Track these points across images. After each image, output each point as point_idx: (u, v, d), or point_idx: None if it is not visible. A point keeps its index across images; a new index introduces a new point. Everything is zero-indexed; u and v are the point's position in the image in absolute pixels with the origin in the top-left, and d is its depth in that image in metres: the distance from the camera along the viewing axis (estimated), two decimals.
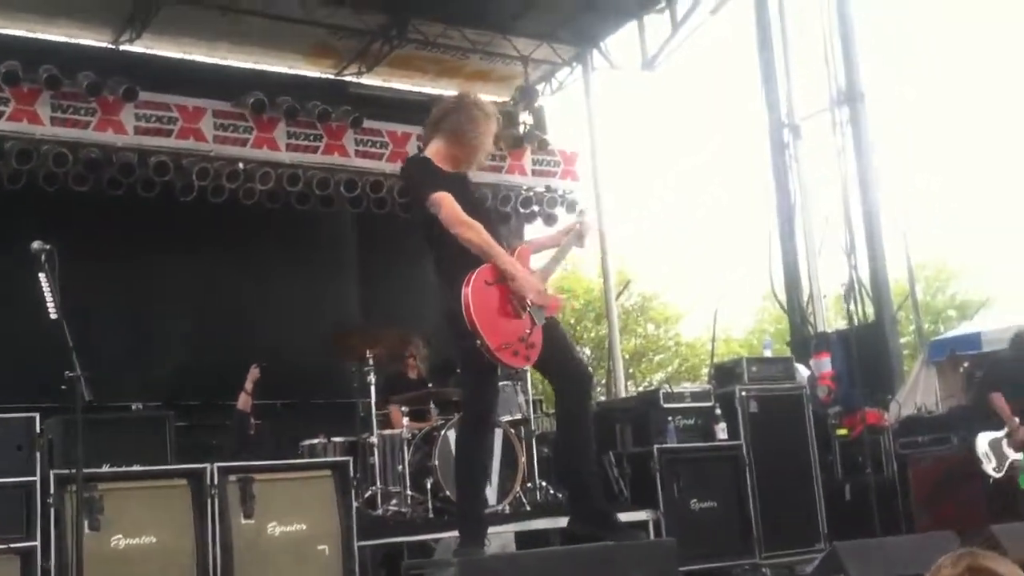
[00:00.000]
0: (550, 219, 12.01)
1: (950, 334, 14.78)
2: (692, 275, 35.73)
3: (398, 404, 7.58)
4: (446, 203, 4.71)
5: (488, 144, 4.99)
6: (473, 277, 4.57)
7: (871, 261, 10.42)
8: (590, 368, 5.58)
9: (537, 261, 5.03)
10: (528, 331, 4.65)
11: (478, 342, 4.48)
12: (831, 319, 11.80)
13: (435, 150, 4.92)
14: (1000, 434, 7.93)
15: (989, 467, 7.88)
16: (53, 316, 4.54)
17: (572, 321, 25.68)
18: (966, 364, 11.35)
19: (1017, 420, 7.88)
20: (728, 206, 44.81)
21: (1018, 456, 7.93)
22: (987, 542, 5.29)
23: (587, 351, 26.04)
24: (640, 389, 21.71)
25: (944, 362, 11.84)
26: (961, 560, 2.14)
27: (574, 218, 5.37)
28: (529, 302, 4.65)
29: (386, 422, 7.49)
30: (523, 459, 7.29)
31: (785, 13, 10.96)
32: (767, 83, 11.09)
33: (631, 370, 26.12)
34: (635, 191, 39.98)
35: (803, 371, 9.00)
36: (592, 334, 24.98)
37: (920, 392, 11.02)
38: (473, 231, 4.62)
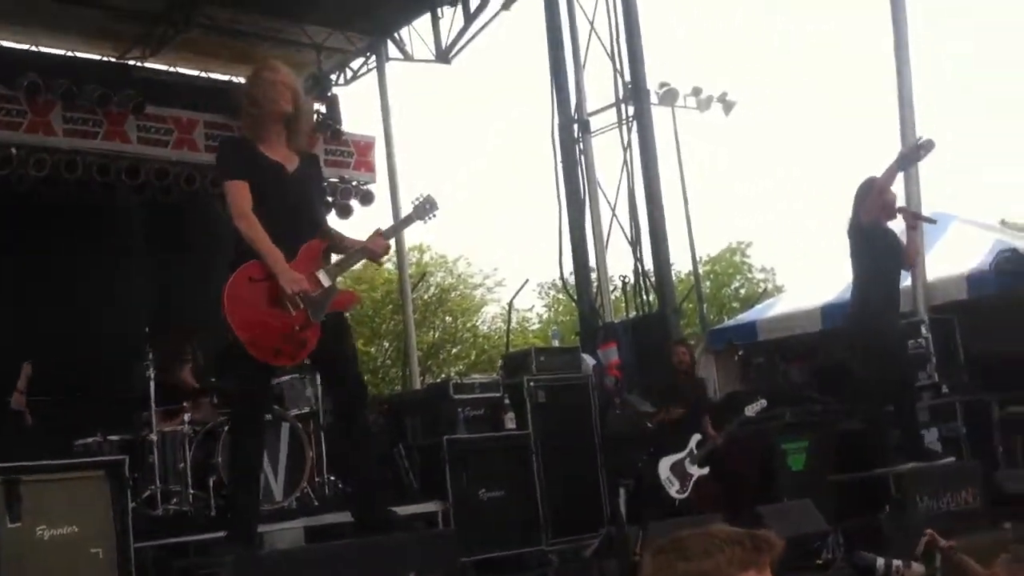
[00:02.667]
0: (345, 211, 11.91)
1: (728, 323, 15.54)
2: (490, 266, 36.11)
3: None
4: (231, 193, 4.68)
5: (284, 106, 4.90)
6: (238, 271, 4.55)
7: (654, 255, 10.82)
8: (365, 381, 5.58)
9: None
10: (298, 328, 4.63)
11: (230, 336, 4.45)
12: (621, 309, 12.17)
13: (243, 126, 4.87)
14: (681, 455, 8.34)
15: (672, 490, 8.25)
16: None
17: (371, 312, 25.58)
18: (741, 352, 11.97)
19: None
20: (524, 197, 45.65)
21: (704, 472, 8.35)
22: (755, 523, 5.60)
23: (385, 344, 26.00)
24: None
25: (722, 351, 12.43)
26: None
27: (417, 203, 5.30)
28: (301, 300, 4.62)
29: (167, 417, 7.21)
30: (311, 453, 7.20)
31: (574, 9, 11.22)
32: (557, 78, 11.32)
33: (430, 362, 26.24)
34: (433, 183, 40.05)
35: (590, 361, 9.24)
36: (390, 325, 24.93)
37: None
38: (245, 223, 4.57)
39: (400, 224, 5.53)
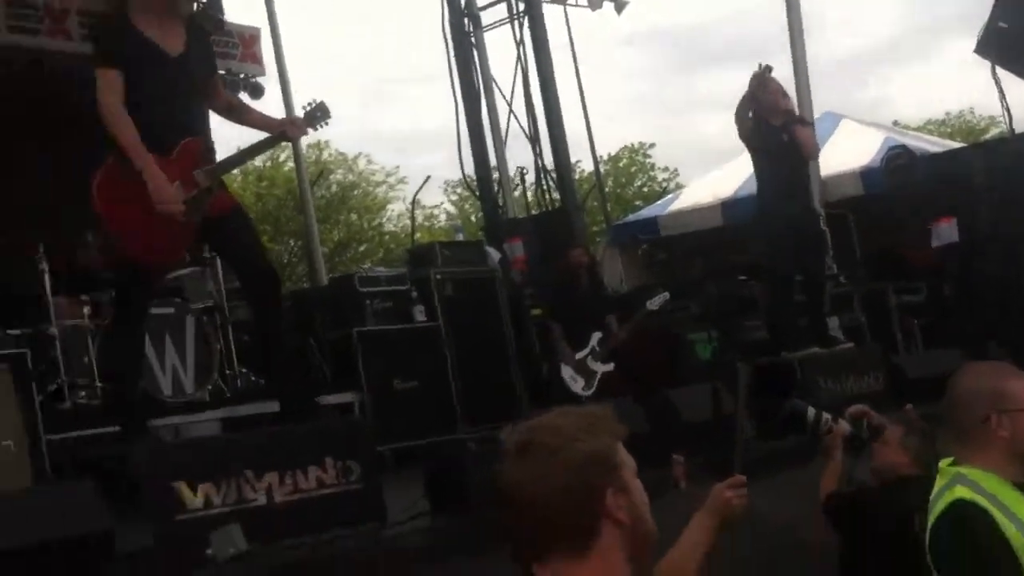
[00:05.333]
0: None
1: (630, 218, 15.73)
2: (393, 162, 35.81)
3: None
4: (100, 89, 4.50)
5: None
6: (106, 164, 4.45)
7: (554, 150, 10.81)
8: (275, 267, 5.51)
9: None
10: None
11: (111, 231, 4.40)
12: (525, 206, 12.20)
13: None
14: (583, 353, 8.48)
15: (577, 388, 8.40)
16: None
17: (273, 209, 25.21)
18: (644, 246, 12.15)
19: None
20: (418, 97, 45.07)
21: (608, 367, 8.52)
22: (663, 407, 5.74)
23: (290, 242, 25.70)
24: None
25: (626, 245, 12.60)
26: None
27: (308, 110, 5.11)
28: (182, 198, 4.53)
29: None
30: (219, 346, 7.13)
31: None
32: None
33: (336, 261, 26.05)
34: (325, 74, 39.20)
35: (494, 255, 9.26)
36: (293, 225, 24.63)
37: (606, 273, 11.69)
38: (117, 128, 4.42)
39: (308, 118, 5.27)
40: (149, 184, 4.46)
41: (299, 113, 5.26)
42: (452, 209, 31.05)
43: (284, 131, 5.06)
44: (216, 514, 3.95)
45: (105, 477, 4.27)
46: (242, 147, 5.54)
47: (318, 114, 5.11)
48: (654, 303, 8.61)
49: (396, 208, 28.79)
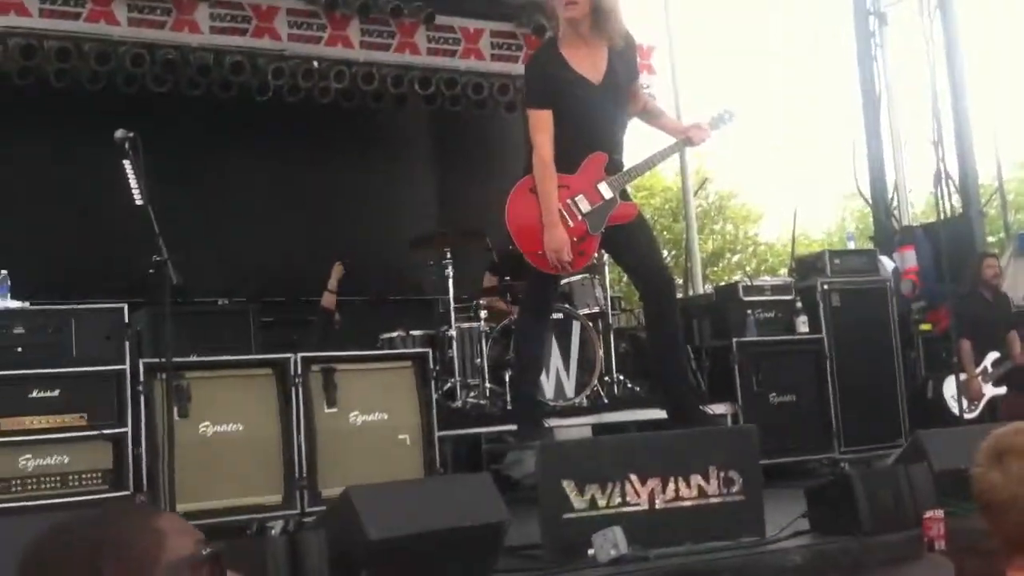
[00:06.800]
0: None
1: None
2: (771, 173, 35.11)
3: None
4: (532, 122, 4.75)
5: (570, 11, 4.79)
6: (520, 182, 4.70)
7: (959, 153, 10.12)
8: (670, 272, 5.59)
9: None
10: (576, 239, 4.70)
11: (510, 247, 4.69)
12: (916, 214, 11.53)
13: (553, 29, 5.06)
14: (976, 372, 7.73)
15: (961, 409, 7.59)
16: (139, 202, 4.58)
17: (650, 219, 25.47)
18: None
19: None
20: (810, 100, 43.81)
21: (1000, 391, 7.69)
22: None
23: (664, 252, 25.90)
24: None
25: None
26: None
27: (715, 115, 5.24)
28: (583, 211, 4.69)
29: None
30: (600, 352, 7.30)
31: None
32: None
33: (708, 271, 25.92)
34: (713, 84, 39.16)
35: (887, 264, 8.80)
36: (669, 234, 24.79)
37: (1008, 286, 10.77)
38: (540, 175, 4.70)
39: (713, 123, 5.29)
40: (545, 236, 4.68)
41: (707, 117, 5.33)
42: (826, 221, 29.98)
43: (689, 136, 5.10)
44: (599, 516, 4.03)
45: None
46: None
47: (725, 116, 5.19)
48: None
49: (772, 218, 28.24)
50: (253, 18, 9.59)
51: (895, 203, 10.45)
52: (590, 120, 4.88)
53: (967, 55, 10.33)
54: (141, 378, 5.39)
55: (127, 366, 5.39)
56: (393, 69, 10.30)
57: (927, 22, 10.20)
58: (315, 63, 9.92)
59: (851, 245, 10.21)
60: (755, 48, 47.50)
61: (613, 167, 4.91)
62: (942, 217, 9.91)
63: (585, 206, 4.79)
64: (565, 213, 4.75)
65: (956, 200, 10.20)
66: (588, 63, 4.89)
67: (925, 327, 8.91)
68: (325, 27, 9.97)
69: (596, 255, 7.54)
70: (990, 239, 17.97)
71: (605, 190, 4.85)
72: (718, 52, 43.31)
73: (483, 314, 7.19)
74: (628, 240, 4.98)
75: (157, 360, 5.33)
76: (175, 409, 4.88)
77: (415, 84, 10.42)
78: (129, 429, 5.33)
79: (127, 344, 5.43)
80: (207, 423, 5.49)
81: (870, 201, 10.76)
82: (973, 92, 10.37)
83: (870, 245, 10.95)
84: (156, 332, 5.98)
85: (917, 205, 11.35)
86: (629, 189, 5.09)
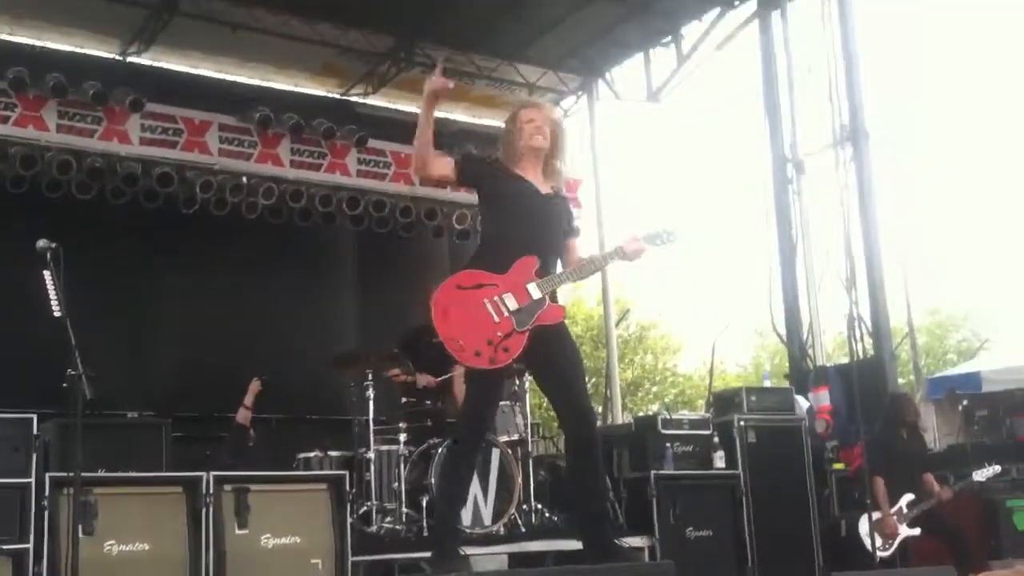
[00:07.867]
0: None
1: (949, 372, 14.82)
2: (690, 307, 35.66)
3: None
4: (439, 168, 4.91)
5: (540, 142, 4.98)
6: (448, 279, 4.78)
7: (871, 297, 10.40)
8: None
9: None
10: (501, 334, 4.68)
11: (435, 339, 4.68)
12: (829, 354, 11.77)
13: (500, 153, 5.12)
14: (891, 512, 7.81)
15: (875, 547, 7.65)
16: (57, 314, 4.47)
17: None
18: (965, 402, 11.35)
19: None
20: (728, 239, 44.92)
21: (913, 532, 7.81)
22: None
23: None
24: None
25: (943, 400, 11.84)
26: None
27: (653, 231, 5.18)
28: (510, 308, 4.70)
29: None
30: (519, 480, 7.25)
31: (790, 50, 11.00)
32: (771, 118, 11.09)
33: (627, 400, 26.07)
34: (637, 219, 40.01)
35: (802, 403, 8.95)
36: (590, 362, 24.95)
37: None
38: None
39: (649, 238, 5.27)
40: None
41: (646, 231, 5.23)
42: (743, 360, 30.47)
43: (623, 247, 5.10)
44: None
45: None
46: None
47: (663, 235, 5.16)
48: (983, 474, 7.96)
49: (690, 352, 28.57)
50: (185, 131, 9.64)
51: (809, 342, 10.67)
52: (529, 222, 4.92)
53: (880, 203, 10.74)
54: (46, 492, 5.20)
55: (32, 480, 5.21)
56: (322, 188, 10.40)
57: (842, 172, 10.60)
58: (244, 179, 9.97)
59: (767, 383, 10.37)
60: (678, 185, 48.64)
61: (544, 271, 4.94)
62: (855, 358, 10.13)
63: (513, 304, 4.76)
64: (492, 309, 4.73)
65: (868, 342, 10.46)
66: (538, 180, 5.05)
67: (838, 466, 9.03)
68: (256, 144, 10.06)
69: (517, 383, 7.61)
70: (900, 381, 18.46)
71: (534, 290, 4.84)
72: (642, 188, 44.28)
73: (402, 437, 7.10)
74: (552, 363, 4.95)
75: (64, 474, 5.16)
76: (80, 526, 4.70)
77: (343, 204, 10.51)
78: (31, 545, 5.12)
79: (34, 457, 5.25)
80: (112, 542, 5.31)
81: (785, 340, 10.98)
82: (885, 238, 10.75)
83: (786, 383, 11.15)
84: (64, 444, 5.80)
85: (830, 345, 11.55)
86: (558, 293, 5.06)
